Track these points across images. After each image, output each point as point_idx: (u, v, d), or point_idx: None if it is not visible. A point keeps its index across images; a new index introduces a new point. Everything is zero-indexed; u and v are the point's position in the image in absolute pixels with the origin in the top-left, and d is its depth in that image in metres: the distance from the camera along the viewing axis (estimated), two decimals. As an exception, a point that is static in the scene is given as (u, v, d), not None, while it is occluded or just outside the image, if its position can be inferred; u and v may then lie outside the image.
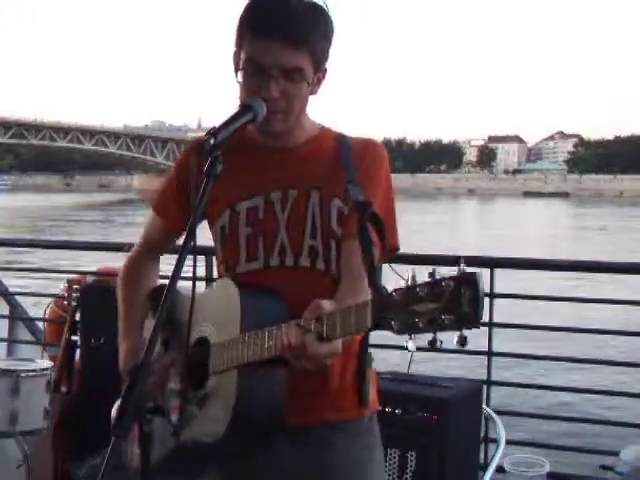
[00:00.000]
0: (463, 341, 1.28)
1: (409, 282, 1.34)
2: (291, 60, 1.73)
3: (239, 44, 1.79)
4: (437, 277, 1.30)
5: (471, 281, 1.27)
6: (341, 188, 1.82)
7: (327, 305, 1.55)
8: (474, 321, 1.27)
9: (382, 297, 1.39)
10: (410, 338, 1.34)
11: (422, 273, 1.34)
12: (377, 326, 1.40)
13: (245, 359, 1.65)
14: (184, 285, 1.81)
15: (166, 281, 1.58)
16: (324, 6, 1.78)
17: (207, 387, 1.77)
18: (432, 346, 1.30)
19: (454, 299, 1.27)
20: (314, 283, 1.82)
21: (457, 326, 1.28)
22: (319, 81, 1.83)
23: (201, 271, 4.14)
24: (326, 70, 1.84)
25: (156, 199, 2.02)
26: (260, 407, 1.73)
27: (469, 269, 1.28)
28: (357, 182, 1.79)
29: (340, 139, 1.89)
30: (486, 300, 4.15)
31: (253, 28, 1.74)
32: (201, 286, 4.01)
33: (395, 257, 1.77)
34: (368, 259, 1.58)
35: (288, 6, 1.74)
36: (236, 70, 1.81)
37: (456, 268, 1.29)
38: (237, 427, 1.69)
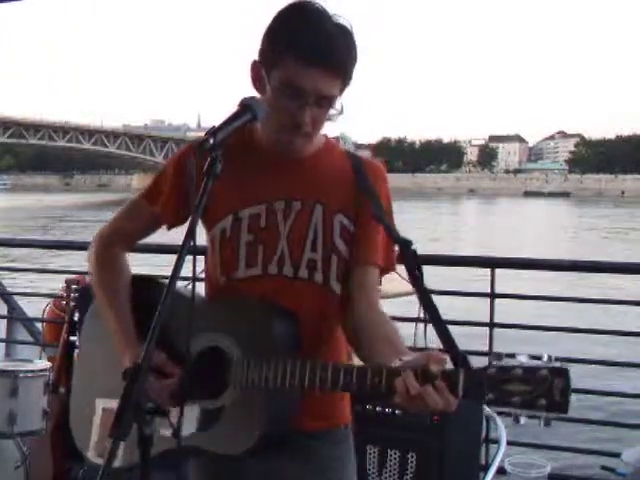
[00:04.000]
0: (548, 423, 1.47)
1: (497, 361, 1.50)
2: (329, 88, 1.77)
3: (273, 62, 1.77)
4: (532, 364, 1.47)
5: (564, 374, 1.45)
6: (346, 203, 1.88)
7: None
8: (564, 410, 1.45)
9: (477, 372, 1.50)
10: (497, 412, 1.51)
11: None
12: (466, 394, 1.51)
13: (287, 384, 1.67)
14: (181, 285, 1.80)
15: (166, 281, 1.56)
16: (350, 29, 1.80)
17: (225, 399, 1.77)
18: (516, 422, 1.48)
19: (548, 388, 1.44)
20: (311, 294, 1.87)
21: (546, 410, 1.45)
22: None
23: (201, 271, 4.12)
24: None
25: (147, 191, 1.98)
26: (282, 421, 1.79)
27: (558, 363, 1.47)
28: (387, 215, 1.86)
29: (351, 158, 1.93)
30: (486, 300, 4.15)
31: (298, 53, 1.73)
32: (200, 286, 4.03)
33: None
34: (433, 312, 1.71)
35: (331, 34, 1.74)
36: (258, 81, 1.81)
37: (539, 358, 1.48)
38: (264, 442, 1.73)
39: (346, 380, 1.60)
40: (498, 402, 1.48)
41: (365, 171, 1.90)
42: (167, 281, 1.54)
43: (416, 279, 1.77)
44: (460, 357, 1.59)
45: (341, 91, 1.81)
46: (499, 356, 1.50)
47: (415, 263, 1.77)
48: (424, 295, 1.76)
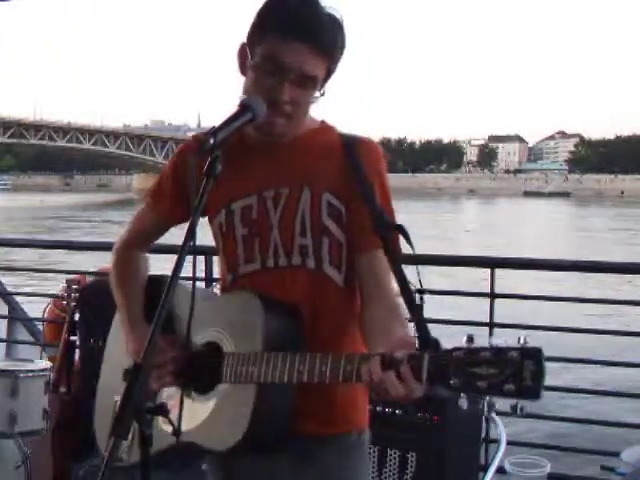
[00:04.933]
0: (516, 410, 1.34)
1: (467, 344, 1.39)
2: (313, 68, 1.74)
3: (257, 40, 1.76)
4: (501, 344, 1.35)
5: (535, 356, 1.32)
6: (335, 184, 1.82)
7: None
8: (534, 395, 1.32)
9: (442, 354, 1.42)
10: (464, 396, 1.38)
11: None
12: (430, 378, 1.42)
13: (269, 379, 1.65)
14: (187, 283, 1.81)
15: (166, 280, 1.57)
16: (341, 20, 1.79)
17: (216, 394, 1.77)
18: (489, 409, 1.38)
19: (518, 371, 1.32)
20: (305, 282, 1.83)
21: (516, 396, 1.32)
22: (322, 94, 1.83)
23: (201, 271, 4.13)
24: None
25: (151, 192, 2.03)
26: (272, 419, 1.73)
27: (531, 343, 1.35)
28: (372, 193, 1.80)
29: (344, 139, 1.87)
30: (486, 300, 4.15)
31: (283, 28, 1.72)
32: (201, 286, 4.04)
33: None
34: (407, 294, 1.66)
35: (318, 14, 1.74)
36: (244, 64, 1.79)
37: (515, 337, 1.36)
38: (249, 440, 1.69)
39: (321, 370, 1.58)
40: (464, 387, 1.37)
41: (358, 151, 1.84)
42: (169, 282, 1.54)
43: (392, 257, 1.73)
44: (430, 341, 1.52)
45: (325, 77, 1.78)
46: (471, 339, 1.40)
47: (388, 234, 1.73)
48: (399, 275, 1.71)
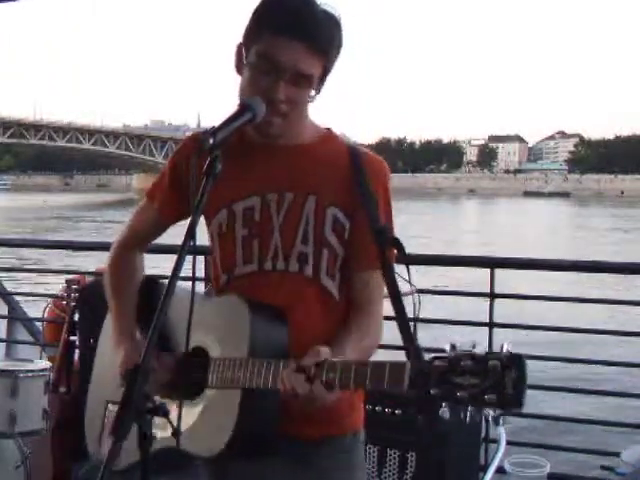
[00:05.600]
0: (498, 420, 1.32)
1: (450, 352, 1.37)
2: (308, 66, 1.73)
3: (253, 38, 1.76)
4: (482, 353, 1.33)
5: (517, 363, 1.30)
6: (342, 197, 1.83)
7: (326, 352, 1.61)
8: (516, 405, 1.29)
9: (423, 363, 1.42)
10: (445, 405, 1.37)
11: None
12: (412, 387, 1.43)
13: (254, 384, 1.65)
14: (181, 285, 1.80)
15: (166, 281, 1.56)
16: (338, 18, 1.78)
17: (203, 400, 1.76)
18: (473, 419, 1.34)
19: (499, 380, 1.30)
20: (302, 288, 1.83)
21: (498, 406, 1.30)
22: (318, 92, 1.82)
23: (200, 270, 4.13)
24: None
25: (150, 191, 2.02)
26: (258, 424, 1.72)
27: (514, 351, 1.32)
28: (375, 207, 1.80)
29: (351, 152, 1.87)
30: (486, 300, 4.15)
31: (279, 26, 1.71)
32: (200, 286, 4.04)
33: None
34: (398, 305, 1.68)
35: (314, 13, 1.73)
36: (240, 63, 1.79)
37: (499, 345, 1.34)
38: (235, 446, 1.68)
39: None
40: (445, 397, 1.36)
41: (364, 167, 1.83)
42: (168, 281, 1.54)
43: (387, 270, 1.74)
44: (413, 350, 1.52)
45: (321, 76, 1.77)
46: (454, 347, 1.38)
47: (384, 252, 1.75)
48: (392, 287, 1.73)
